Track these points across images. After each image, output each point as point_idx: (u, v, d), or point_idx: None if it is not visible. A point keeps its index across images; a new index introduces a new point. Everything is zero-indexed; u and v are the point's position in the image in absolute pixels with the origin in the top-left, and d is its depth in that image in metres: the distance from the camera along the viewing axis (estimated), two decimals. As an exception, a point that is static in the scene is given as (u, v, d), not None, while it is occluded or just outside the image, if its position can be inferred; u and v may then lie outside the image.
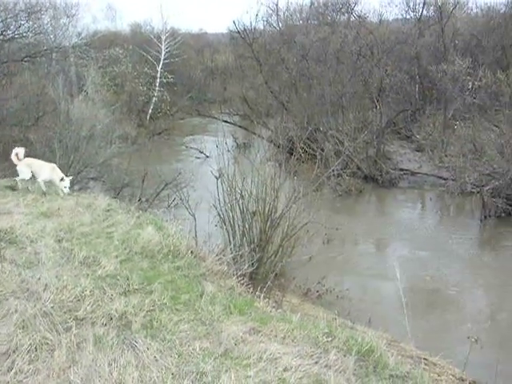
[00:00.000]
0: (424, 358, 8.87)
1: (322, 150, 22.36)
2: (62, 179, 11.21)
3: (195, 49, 53.74)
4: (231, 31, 41.90)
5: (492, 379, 7.78)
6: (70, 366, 4.86)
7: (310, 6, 41.78)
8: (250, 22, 37.93)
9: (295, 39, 34.31)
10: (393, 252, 16.98)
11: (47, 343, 5.19)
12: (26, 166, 11.43)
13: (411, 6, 36.60)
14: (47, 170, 11.40)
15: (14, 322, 5.50)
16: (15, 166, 11.51)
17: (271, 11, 40.69)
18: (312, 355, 5.26)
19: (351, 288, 13.70)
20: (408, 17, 37.62)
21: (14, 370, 4.76)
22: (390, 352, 5.61)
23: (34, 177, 11.37)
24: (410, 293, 13.61)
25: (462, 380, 8.27)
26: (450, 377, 8.51)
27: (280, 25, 41.15)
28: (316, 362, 5.14)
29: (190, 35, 55.35)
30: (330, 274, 13.89)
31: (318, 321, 6.41)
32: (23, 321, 5.51)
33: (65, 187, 11.19)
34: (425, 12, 34.95)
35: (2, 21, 25.42)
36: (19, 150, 11.63)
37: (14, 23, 26.06)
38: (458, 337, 10.33)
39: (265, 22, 41.16)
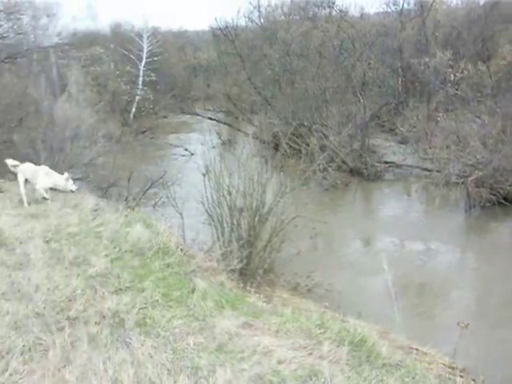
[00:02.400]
0: (415, 348, 8.97)
1: (307, 144, 22.41)
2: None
3: (176, 47, 53.49)
4: (213, 28, 41.75)
5: (481, 365, 7.87)
6: (64, 366, 4.89)
7: (291, 1, 41.74)
8: (232, 19, 37.90)
9: (277, 35, 34.26)
10: (380, 245, 17.00)
11: (41, 343, 5.21)
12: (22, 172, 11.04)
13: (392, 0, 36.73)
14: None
15: (6, 323, 5.50)
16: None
17: (253, 7, 40.63)
18: (306, 347, 5.31)
19: (340, 282, 13.71)
20: (389, 10, 37.68)
21: (8, 372, 4.79)
22: (382, 342, 5.66)
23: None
24: (399, 285, 13.68)
25: (453, 368, 8.36)
26: (441, 365, 8.60)
27: (262, 21, 41.07)
28: (310, 354, 5.18)
29: (171, 33, 55.10)
30: (319, 268, 13.87)
31: (309, 314, 6.46)
32: (15, 322, 5.53)
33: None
34: (406, 5, 34.97)
35: (-20, 21, 25.14)
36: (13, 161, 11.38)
37: (-7, 24, 25.80)
38: (447, 325, 10.41)
39: (247, 19, 41.11)
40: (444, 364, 8.64)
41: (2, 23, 26.11)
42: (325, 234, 16.88)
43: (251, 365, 4.92)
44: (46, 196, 10.57)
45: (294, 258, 13.62)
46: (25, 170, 10.96)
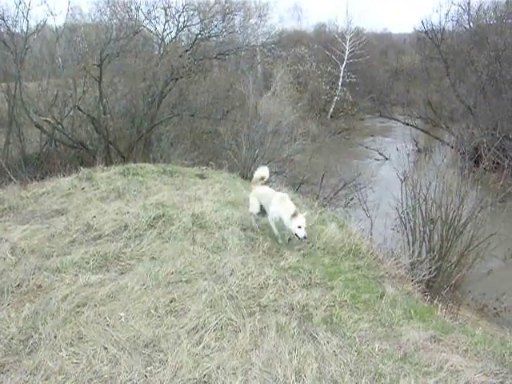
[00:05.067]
0: None
1: (511, 159, 21.04)
2: (293, 215, 7.46)
3: (379, 49, 53.26)
4: (418, 31, 40.88)
5: None
6: (252, 349, 5.12)
7: (507, 3, 39.10)
8: (439, 22, 36.84)
9: (488, 39, 32.45)
10: None
11: (232, 324, 5.51)
12: (255, 196, 8.55)
13: None
14: (276, 203, 7.93)
15: (203, 300, 5.89)
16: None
17: (462, 10, 38.87)
18: (497, 374, 5.00)
19: (534, 310, 12.74)
20: None
21: (202, 344, 5.14)
22: None
23: (263, 212, 8.43)
24: None
25: None
26: None
27: (471, 24, 39.16)
28: (501, 382, 4.87)
29: (374, 35, 54.97)
30: (510, 291, 13.00)
31: (504, 338, 6.08)
32: (211, 301, 5.89)
33: (299, 227, 7.37)
34: None
35: (200, 21, 27.16)
36: (264, 172, 8.86)
37: (210, 24, 27.67)
38: None
39: (454, 22, 39.55)
40: None
41: (218, 23, 28.00)
42: (521, 257, 15.77)
43: (436, 381, 4.76)
44: (276, 233, 8.08)
45: (483, 278, 12.92)
46: (259, 193, 8.57)
